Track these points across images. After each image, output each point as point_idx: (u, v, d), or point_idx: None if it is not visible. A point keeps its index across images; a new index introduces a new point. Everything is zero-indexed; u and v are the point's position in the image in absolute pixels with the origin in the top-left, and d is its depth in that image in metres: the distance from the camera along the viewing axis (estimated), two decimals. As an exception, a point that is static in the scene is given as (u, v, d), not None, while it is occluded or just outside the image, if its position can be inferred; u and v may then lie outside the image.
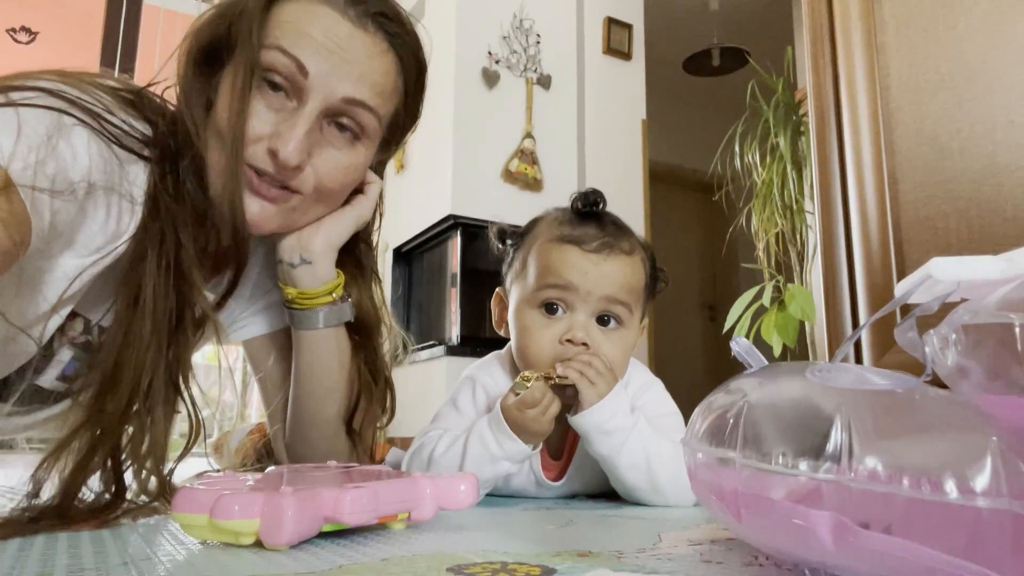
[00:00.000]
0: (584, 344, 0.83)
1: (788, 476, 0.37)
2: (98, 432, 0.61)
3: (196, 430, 0.69)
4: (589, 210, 0.88)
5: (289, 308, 0.80)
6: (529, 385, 0.77)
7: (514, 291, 0.89)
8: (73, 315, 0.68)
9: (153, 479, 0.64)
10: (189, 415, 0.68)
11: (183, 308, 0.67)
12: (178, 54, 0.70)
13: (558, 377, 0.79)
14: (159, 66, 0.72)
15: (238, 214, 0.67)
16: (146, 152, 0.65)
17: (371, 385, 0.84)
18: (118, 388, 0.62)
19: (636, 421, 0.80)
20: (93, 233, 0.62)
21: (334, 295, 0.79)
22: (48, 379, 0.71)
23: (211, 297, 0.77)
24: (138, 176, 0.65)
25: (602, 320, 0.85)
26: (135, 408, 0.64)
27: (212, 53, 0.69)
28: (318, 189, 0.71)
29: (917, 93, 1.07)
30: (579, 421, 0.80)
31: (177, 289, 0.66)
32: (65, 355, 0.70)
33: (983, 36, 1.00)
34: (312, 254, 0.77)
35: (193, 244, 0.67)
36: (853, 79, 1.15)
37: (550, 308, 0.85)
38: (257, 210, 0.69)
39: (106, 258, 0.64)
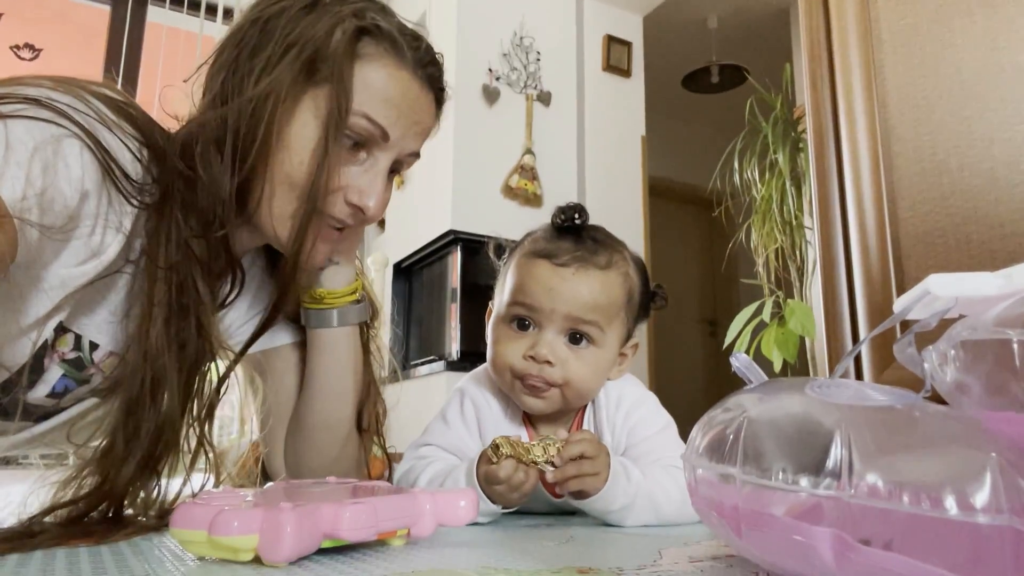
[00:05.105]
0: (548, 362, 0.82)
1: (788, 492, 0.37)
2: (107, 477, 0.62)
3: (215, 470, 0.72)
4: (567, 225, 0.88)
5: (312, 309, 0.81)
6: (498, 461, 0.71)
7: (495, 304, 0.90)
8: (63, 330, 0.67)
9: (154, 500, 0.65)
10: (204, 451, 0.71)
11: (200, 351, 0.69)
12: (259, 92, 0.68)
13: (538, 459, 0.71)
14: (184, 88, 0.72)
15: (304, 260, 0.71)
16: (145, 198, 0.64)
17: (373, 381, 0.87)
18: (135, 439, 0.63)
19: (636, 484, 0.75)
20: (78, 246, 0.61)
21: (357, 293, 0.83)
22: (38, 396, 0.70)
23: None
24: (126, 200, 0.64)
25: (574, 338, 0.84)
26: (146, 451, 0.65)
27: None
28: (364, 223, 0.76)
29: (915, 110, 1.07)
30: (585, 507, 0.75)
31: (197, 330, 0.68)
32: (55, 372, 0.69)
33: (981, 53, 1.00)
34: (339, 254, 0.80)
35: (207, 285, 0.69)
36: (851, 96, 1.15)
37: (521, 324, 0.85)
38: (322, 252, 0.75)
39: (89, 272, 0.63)
